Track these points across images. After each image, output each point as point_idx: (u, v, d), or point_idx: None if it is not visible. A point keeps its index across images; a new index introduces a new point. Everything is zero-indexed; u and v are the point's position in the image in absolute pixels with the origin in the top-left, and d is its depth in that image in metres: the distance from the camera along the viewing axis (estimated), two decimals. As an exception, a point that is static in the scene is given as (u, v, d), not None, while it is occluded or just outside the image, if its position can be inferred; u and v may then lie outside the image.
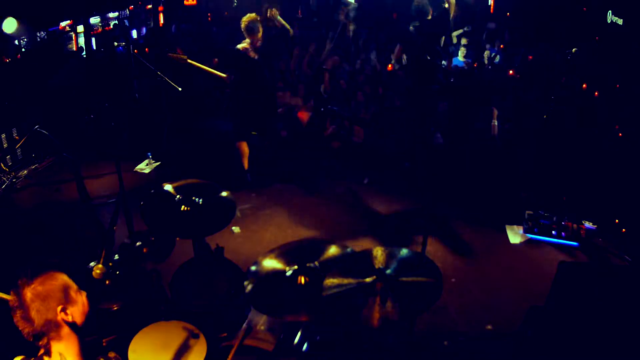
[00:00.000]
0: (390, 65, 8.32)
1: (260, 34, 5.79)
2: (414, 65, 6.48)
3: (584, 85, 7.25)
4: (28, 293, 1.83)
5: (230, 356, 2.66)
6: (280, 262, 2.90)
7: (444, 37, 8.21)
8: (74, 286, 1.98)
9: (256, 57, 5.77)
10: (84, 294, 2.01)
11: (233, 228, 5.30)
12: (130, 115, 7.25)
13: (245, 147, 6.12)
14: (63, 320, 1.89)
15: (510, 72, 8.14)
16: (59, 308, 1.88)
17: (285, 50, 6.28)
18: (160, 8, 12.11)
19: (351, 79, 8.25)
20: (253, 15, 5.80)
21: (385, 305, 2.37)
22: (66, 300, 1.91)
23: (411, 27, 6.19)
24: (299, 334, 3.00)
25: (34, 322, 1.83)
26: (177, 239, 3.46)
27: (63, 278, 1.94)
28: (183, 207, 3.23)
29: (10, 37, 6.56)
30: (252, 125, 6.06)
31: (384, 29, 10.43)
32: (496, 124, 6.83)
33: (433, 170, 6.35)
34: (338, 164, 6.93)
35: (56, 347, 1.91)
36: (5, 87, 6.70)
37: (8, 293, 1.89)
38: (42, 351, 1.94)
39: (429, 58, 6.08)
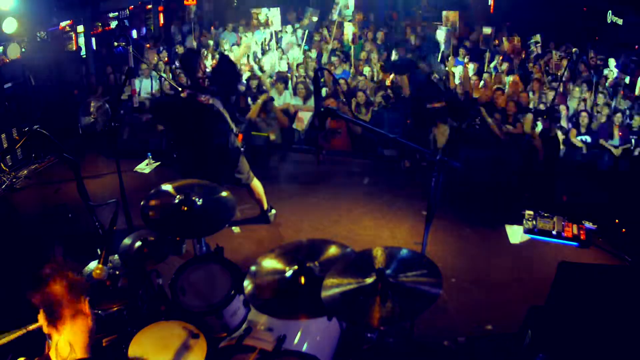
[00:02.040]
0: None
1: (201, 71, 4.54)
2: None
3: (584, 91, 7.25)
4: (71, 275, 2.00)
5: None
6: (280, 262, 2.89)
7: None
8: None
9: (209, 101, 4.50)
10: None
11: (233, 228, 5.29)
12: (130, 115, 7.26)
13: (258, 186, 5.24)
14: (84, 308, 2.02)
15: (512, 77, 8.12)
16: (86, 299, 2.03)
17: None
18: (161, 8, 12.12)
19: (352, 79, 8.26)
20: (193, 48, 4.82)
21: (385, 305, 2.37)
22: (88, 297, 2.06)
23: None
24: (299, 334, 3.00)
25: (61, 298, 1.95)
26: (177, 238, 3.46)
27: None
28: (183, 207, 3.24)
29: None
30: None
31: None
32: (491, 120, 6.81)
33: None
34: (338, 164, 6.93)
35: (66, 334, 1.97)
36: (5, 87, 6.71)
37: (7, 295, 1.94)
38: (47, 350, 1.97)
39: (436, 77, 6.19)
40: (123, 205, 4.18)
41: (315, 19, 10.04)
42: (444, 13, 9.13)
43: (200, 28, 11.03)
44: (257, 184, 5.22)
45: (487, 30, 9.73)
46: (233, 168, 4.89)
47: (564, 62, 8.00)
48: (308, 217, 5.64)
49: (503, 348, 3.80)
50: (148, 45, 9.34)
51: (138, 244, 3.29)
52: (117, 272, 3.15)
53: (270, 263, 2.92)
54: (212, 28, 11.17)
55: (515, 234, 5.35)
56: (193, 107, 4.50)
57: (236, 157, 4.86)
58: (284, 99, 7.81)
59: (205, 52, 9.49)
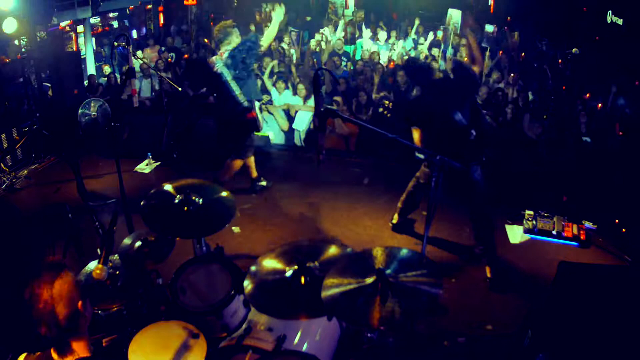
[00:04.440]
0: (392, 63, 8.30)
1: (230, 45, 5.28)
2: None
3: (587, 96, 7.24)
4: (57, 286, 1.85)
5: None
6: (280, 262, 2.90)
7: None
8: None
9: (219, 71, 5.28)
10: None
11: (233, 228, 5.30)
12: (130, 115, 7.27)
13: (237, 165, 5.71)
14: (82, 314, 1.92)
15: (512, 75, 8.13)
16: (80, 303, 1.92)
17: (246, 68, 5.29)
18: (161, 8, 12.13)
19: (352, 79, 8.26)
20: (227, 22, 5.41)
21: (385, 305, 2.37)
22: (83, 297, 1.94)
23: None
24: (299, 334, 3.00)
25: (59, 317, 1.84)
26: (177, 239, 3.46)
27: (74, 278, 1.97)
28: (184, 207, 3.24)
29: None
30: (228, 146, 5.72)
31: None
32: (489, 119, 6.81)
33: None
34: (338, 164, 6.93)
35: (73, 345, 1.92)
36: (6, 87, 6.71)
37: (7, 292, 1.90)
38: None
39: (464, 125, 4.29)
40: (123, 205, 4.18)
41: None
42: (449, 11, 9.14)
43: (199, 28, 11.04)
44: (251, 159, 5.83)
45: (489, 28, 9.73)
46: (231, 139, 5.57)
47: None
48: (308, 217, 5.64)
49: (503, 348, 3.81)
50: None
51: (138, 244, 3.29)
52: (117, 272, 3.15)
53: (270, 263, 2.92)
54: (211, 24, 11.17)
55: (515, 234, 5.35)
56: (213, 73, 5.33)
57: (238, 129, 5.49)
58: (284, 98, 7.81)
59: (205, 52, 9.50)
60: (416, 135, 4.50)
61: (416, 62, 5.55)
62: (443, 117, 4.22)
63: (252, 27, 10.43)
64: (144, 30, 11.99)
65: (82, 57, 9.23)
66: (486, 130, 4.81)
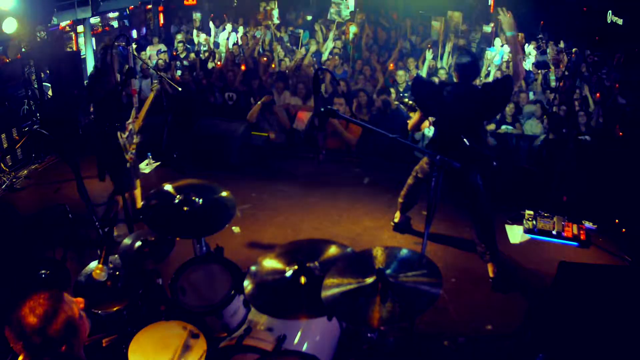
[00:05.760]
0: (392, 64, 8.30)
1: None
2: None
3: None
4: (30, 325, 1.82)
5: None
6: (280, 262, 2.90)
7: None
8: (76, 314, 1.94)
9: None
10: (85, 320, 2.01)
11: (233, 228, 5.30)
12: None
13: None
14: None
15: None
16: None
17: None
18: (161, 8, 12.13)
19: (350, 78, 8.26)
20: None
21: (385, 305, 2.37)
22: (71, 337, 1.90)
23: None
24: (299, 334, 3.00)
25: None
26: (177, 239, 3.46)
27: (66, 312, 1.90)
28: (184, 207, 3.24)
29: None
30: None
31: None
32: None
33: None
34: (338, 164, 6.93)
35: None
36: (6, 87, 6.71)
37: (7, 292, 1.90)
38: None
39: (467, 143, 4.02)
40: (123, 205, 4.18)
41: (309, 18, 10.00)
42: (449, 13, 9.13)
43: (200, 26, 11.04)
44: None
45: (487, 28, 9.73)
46: None
47: (565, 58, 7.99)
48: (308, 217, 5.64)
49: (503, 348, 3.81)
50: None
51: (138, 244, 3.29)
52: (117, 272, 3.15)
53: (270, 263, 2.92)
54: (210, 24, 11.17)
55: (515, 234, 5.35)
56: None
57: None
58: (283, 98, 7.81)
59: (204, 51, 9.50)
60: (415, 117, 4.60)
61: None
62: (456, 121, 4.11)
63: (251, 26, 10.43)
64: (144, 30, 11.99)
65: (82, 57, 9.22)
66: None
